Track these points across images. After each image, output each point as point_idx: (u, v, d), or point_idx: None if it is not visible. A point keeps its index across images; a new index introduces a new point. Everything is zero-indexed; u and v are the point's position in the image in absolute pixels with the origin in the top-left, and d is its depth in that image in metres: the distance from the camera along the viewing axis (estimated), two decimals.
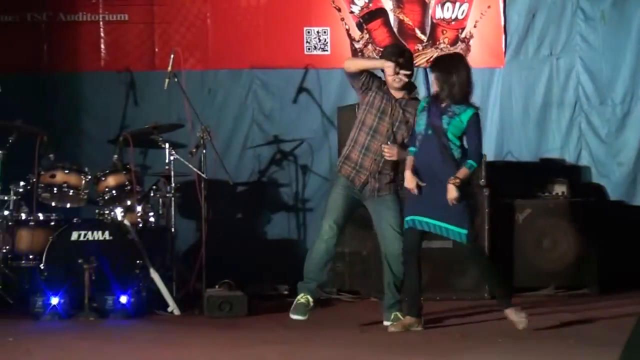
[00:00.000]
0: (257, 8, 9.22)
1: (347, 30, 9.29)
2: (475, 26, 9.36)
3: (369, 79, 7.02)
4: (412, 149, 6.97)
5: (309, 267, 7.07)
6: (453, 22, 9.37)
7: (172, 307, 7.77)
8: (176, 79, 8.09)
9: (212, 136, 8.06)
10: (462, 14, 9.36)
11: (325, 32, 9.24)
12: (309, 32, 9.23)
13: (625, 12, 9.38)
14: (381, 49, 9.24)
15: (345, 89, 9.26)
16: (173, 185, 8.07)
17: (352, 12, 9.30)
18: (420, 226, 6.92)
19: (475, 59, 9.30)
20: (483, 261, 7.01)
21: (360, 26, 9.31)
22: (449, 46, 9.32)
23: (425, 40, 9.35)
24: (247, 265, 8.70)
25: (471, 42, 9.33)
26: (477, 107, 6.90)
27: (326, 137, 9.26)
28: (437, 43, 9.35)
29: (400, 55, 6.98)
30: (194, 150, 8.05)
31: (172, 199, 8.07)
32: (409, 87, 7.09)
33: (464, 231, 6.81)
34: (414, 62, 7.29)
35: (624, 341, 4.83)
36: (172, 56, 8.08)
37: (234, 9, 9.20)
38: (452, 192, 6.72)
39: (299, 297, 7.06)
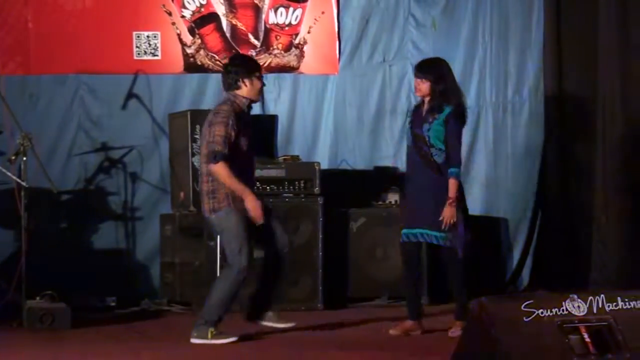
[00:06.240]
0: (83, 11, 8.88)
1: (179, 35, 9.06)
2: (309, 32, 9.26)
3: None
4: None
5: None
6: (287, 28, 9.26)
7: None
8: None
9: (33, 143, 7.73)
10: (295, 20, 9.26)
11: (155, 37, 9.00)
12: (138, 37, 8.98)
13: (454, 19, 9.43)
14: (213, 54, 9.10)
15: (177, 95, 9.08)
16: None
17: (183, 17, 9.09)
18: (411, 238, 6.94)
19: (309, 65, 9.28)
20: (458, 267, 6.94)
21: (192, 31, 9.10)
22: (282, 52, 9.22)
23: (258, 46, 9.20)
24: (72, 276, 8.35)
25: (305, 48, 9.23)
26: (458, 103, 6.89)
27: (157, 145, 9.00)
28: (271, 49, 9.22)
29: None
30: (13, 157, 7.73)
31: None
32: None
33: (442, 234, 6.84)
34: None
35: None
36: None
37: (58, 12, 8.84)
38: (446, 212, 6.78)
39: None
